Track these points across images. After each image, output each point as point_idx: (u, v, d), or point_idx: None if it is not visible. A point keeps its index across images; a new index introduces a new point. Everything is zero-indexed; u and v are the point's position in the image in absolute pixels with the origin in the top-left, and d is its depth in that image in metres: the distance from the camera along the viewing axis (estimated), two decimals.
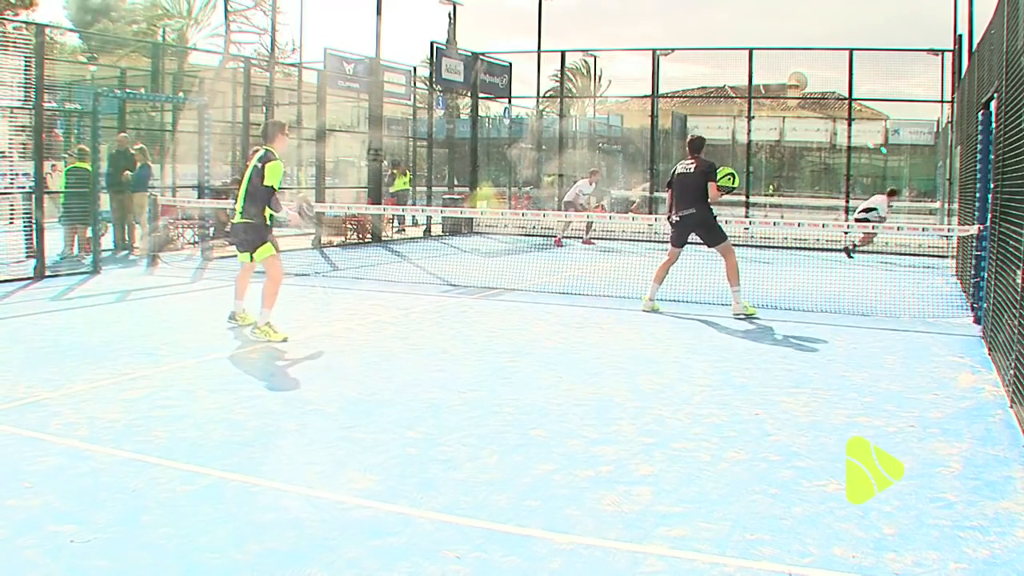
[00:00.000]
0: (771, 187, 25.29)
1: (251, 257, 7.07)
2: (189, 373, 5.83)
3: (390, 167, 19.56)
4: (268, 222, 6.97)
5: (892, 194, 16.03)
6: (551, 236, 17.54)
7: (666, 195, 8.92)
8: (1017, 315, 5.10)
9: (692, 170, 8.58)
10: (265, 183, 6.81)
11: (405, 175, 19.52)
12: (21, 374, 5.59)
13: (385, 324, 7.84)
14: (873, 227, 12.06)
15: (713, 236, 8.60)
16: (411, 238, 17.92)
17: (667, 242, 8.96)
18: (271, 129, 7.17)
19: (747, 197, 19.04)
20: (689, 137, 9.14)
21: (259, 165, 6.88)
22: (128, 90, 17.02)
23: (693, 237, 8.74)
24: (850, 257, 14.67)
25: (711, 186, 8.49)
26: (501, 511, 3.54)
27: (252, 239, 6.96)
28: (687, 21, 60.68)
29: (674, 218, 8.63)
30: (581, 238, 17.28)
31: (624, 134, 27.87)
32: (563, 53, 22.75)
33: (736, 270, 8.38)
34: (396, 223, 18.79)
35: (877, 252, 15.69)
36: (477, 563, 3.08)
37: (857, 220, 14.50)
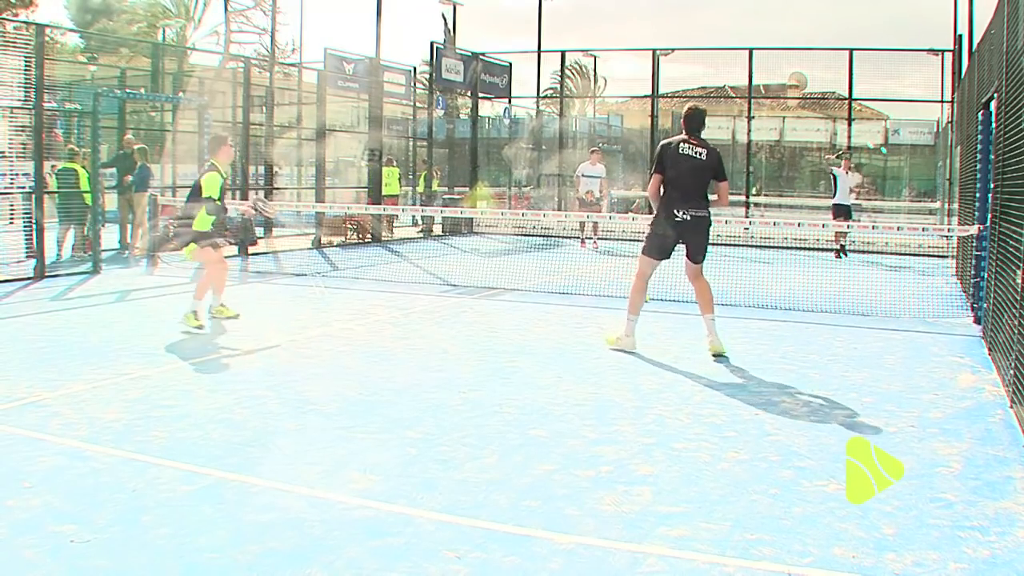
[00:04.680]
0: (756, 189, 24.89)
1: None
2: (189, 373, 5.83)
3: (428, 166, 19.99)
4: (202, 226, 7.40)
5: None
6: (551, 236, 17.50)
7: (654, 178, 6.69)
8: (1017, 315, 5.10)
9: (703, 157, 6.52)
10: (204, 194, 7.43)
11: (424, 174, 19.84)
12: (21, 374, 5.59)
13: (385, 324, 7.84)
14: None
15: (705, 249, 6.74)
16: (411, 238, 17.92)
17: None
18: (213, 143, 7.89)
19: (747, 197, 19.03)
20: (688, 110, 6.73)
21: (199, 177, 7.58)
22: (128, 90, 17.02)
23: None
24: (839, 257, 14.65)
25: (722, 187, 6.62)
26: (501, 511, 3.54)
27: (186, 237, 7.46)
28: (686, 21, 60.71)
29: (682, 215, 6.52)
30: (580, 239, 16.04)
31: (624, 134, 27.87)
32: (563, 53, 22.75)
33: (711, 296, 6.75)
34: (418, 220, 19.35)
35: (877, 252, 15.70)
36: (477, 563, 3.08)
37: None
